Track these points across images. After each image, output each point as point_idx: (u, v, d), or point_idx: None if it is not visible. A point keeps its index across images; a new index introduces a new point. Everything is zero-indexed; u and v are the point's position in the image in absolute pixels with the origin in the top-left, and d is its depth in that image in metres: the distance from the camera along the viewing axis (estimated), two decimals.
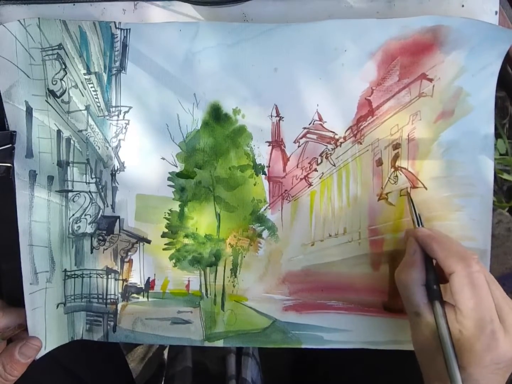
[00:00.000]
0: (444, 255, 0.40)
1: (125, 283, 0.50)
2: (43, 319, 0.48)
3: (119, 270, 0.50)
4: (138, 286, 0.50)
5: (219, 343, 0.50)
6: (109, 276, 0.50)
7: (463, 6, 0.44)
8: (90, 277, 0.50)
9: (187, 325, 0.50)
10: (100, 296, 0.50)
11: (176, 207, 0.49)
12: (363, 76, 0.45)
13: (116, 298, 0.50)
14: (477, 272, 0.38)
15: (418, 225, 0.45)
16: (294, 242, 0.49)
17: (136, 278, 0.50)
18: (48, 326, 0.48)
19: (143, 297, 0.50)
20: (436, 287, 0.41)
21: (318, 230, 0.48)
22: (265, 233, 0.49)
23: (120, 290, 0.50)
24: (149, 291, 0.50)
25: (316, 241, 0.48)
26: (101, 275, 0.50)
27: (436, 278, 0.41)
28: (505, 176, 0.98)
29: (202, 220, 0.49)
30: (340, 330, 0.49)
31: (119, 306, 0.51)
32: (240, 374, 0.62)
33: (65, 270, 0.50)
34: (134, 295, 0.50)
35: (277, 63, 0.46)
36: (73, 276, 0.50)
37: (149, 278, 0.50)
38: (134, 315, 0.51)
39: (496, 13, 0.44)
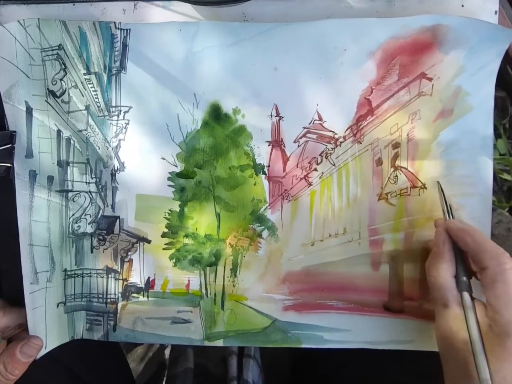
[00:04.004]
0: (478, 250, 0.39)
1: (125, 283, 0.50)
2: (43, 318, 0.48)
3: (119, 270, 0.50)
4: (138, 285, 0.50)
5: (219, 343, 0.50)
6: (109, 275, 0.50)
7: (462, 5, 0.44)
8: (90, 276, 0.50)
9: (187, 325, 0.50)
10: (100, 296, 0.50)
11: (176, 207, 0.49)
12: (363, 75, 0.45)
13: (116, 297, 0.50)
14: (510, 269, 0.38)
15: (449, 216, 0.44)
16: (294, 242, 0.49)
17: (136, 277, 0.50)
18: (48, 326, 0.48)
19: (143, 296, 0.50)
20: (466, 279, 0.41)
21: (318, 230, 0.48)
22: (265, 233, 0.49)
23: (120, 290, 0.50)
24: (149, 290, 0.50)
25: (316, 241, 0.48)
26: (101, 275, 0.50)
27: (466, 270, 0.41)
28: (505, 176, 0.98)
29: (202, 220, 0.49)
30: (340, 330, 0.49)
31: (119, 305, 0.50)
32: (241, 376, 0.62)
33: (65, 270, 0.50)
34: (134, 294, 0.50)
35: (277, 63, 0.46)
36: (73, 275, 0.50)
37: (149, 277, 0.50)
38: (134, 314, 0.50)
39: (496, 12, 0.44)
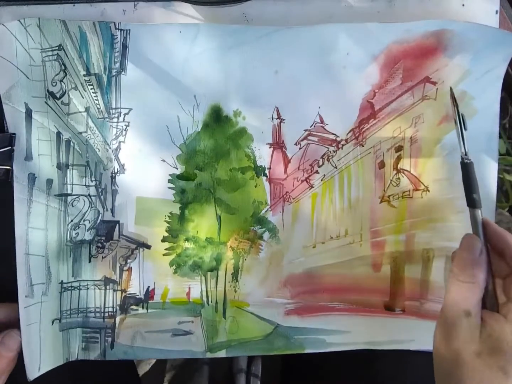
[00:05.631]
0: None
1: (124, 294, 0.49)
2: (37, 336, 0.46)
3: (117, 280, 0.49)
4: (137, 296, 0.49)
5: (222, 354, 0.49)
6: (108, 287, 0.49)
7: (463, 5, 0.44)
8: (88, 289, 0.49)
9: (188, 336, 0.49)
10: (98, 310, 0.49)
11: (176, 209, 0.48)
12: (366, 79, 0.45)
13: (114, 311, 0.49)
14: None
15: (461, 128, 0.39)
16: (295, 244, 0.49)
17: (135, 287, 0.49)
18: (42, 345, 0.47)
19: (143, 308, 0.49)
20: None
21: (320, 232, 0.48)
22: (266, 235, 0.49)
23: (118, 302, 0.49)
24: (149, 301, 0.49)
25: (318, 243, 0.48)
26: (99, 286, 0.49)
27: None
28: (505, 176, 0.97)
29: (203, 222, 0.49)
30: (342, 332, 0.49)
31: (118, 319, 0.49)
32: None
33: (62, 282, 0.48)
34: (133, 306, 0.49)
35: (278, 66, 0.45)
36: (70, 288, 0.49)
37: (148, 287, 0.49)
38: (133, 328, 0.49)
39: (496, 12, 0.44)
